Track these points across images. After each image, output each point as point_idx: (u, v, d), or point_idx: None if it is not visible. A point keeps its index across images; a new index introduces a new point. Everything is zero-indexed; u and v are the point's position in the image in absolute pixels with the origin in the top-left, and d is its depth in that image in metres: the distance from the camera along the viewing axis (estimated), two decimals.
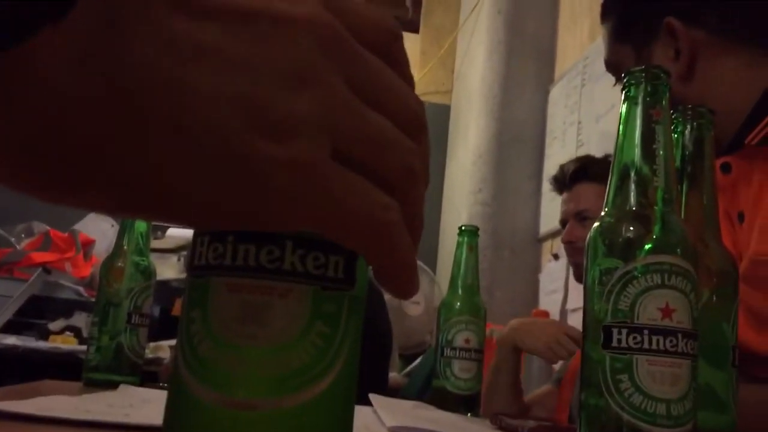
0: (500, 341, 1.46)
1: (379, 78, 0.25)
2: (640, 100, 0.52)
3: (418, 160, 0.26)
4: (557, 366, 1.78)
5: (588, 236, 0.52)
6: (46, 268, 2.36)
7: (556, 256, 2.70)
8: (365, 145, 0.24)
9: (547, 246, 2.91)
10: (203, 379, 0.27)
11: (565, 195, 1.56)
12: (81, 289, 2.40)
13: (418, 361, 2.38)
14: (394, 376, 2.26)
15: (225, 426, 0.27)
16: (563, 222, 1.56)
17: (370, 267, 0.27)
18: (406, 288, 0.27)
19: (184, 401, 0.28)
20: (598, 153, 2.25)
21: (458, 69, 3.83)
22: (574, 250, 1.49)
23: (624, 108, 0.53)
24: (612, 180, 0.53)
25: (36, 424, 0.46)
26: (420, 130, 0.27)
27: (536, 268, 2.93)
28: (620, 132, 0.53)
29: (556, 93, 2.98)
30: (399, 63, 0.28)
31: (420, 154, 0.27)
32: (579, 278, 1.46)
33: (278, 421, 0.27)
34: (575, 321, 2.38)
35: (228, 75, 0.22)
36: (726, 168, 0.83)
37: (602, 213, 0.53)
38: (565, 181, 1.55)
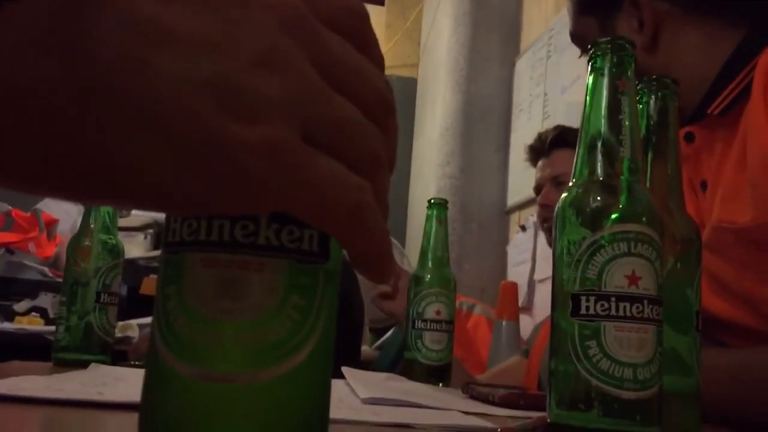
0: None
1: (344, 61, 0.25)
2: (606, 71, 0.53)
3: (382, 146, 0.26)
4: (526, 337, 1.81)
5: (556, 207, 0.53)
6: (9, 248, 2.32)
7: (523, 228, 2.73)
8: (332, 129, 0.24)
9: (514, 218, 2.94)
10: (181, 355, 0.28)
11: (541, 162, 1.57)
12: (46, 269, 2.37)
13: (389, 334, 2.40)
14: (365, 349, 2.27)
15: (204, 400, 0.27)
16: (538, 188, 1.57)
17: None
18: (382, 271, 0.27)
19: (163, 377, 0.28)
20: (564, 124, 2.27)
21: (424, 42, 3.82)
22: (549, 213, 1.51)
23: (590, 79, 0.54)
24: (579, 151, 0.53)
25: (7, 405, 0.46)
26: (387, 113, 0.27)
27: (504, 240, 2.97)
28: (587, 103, 0.54)
29: (521, 65, 2.99)
30: (367, 45, 0.27)
31: (387, 138, 0.27)
32: (551, 243, 1.49)
33: (257, 394, 0.27)
34: (543, 291, 2.42)
35: (197, 58, 0.22)
36: (689, 137, 0.84)
37: (570, 184, 0.53)
38: (543, 148, 1.57)
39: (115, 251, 0.95)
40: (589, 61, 0.54)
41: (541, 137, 1.60)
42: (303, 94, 0.23)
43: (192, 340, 0.27)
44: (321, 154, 0.24)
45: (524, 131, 2.84)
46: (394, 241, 2.89)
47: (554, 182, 1.52)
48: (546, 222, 1.54)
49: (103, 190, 0.22)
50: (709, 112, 0.81)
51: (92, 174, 0.22)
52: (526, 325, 2.40)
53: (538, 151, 1.60)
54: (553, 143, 1.55)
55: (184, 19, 0.22)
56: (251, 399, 0.27)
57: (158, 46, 0.21)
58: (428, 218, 1.13)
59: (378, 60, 0.28)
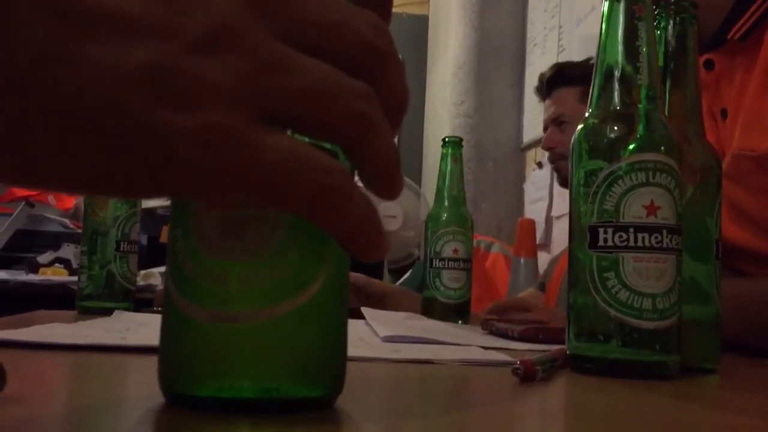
0: None
1: (320, 20, 0.24)
2: None
3: (371, 103, 0.24)
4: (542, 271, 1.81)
5: (572, 138, 0.52)
6: (29, 201, 2.34)
7: (540, 165, 2.71)
8: (298, 100, 0.23)
9: (531, 155, 2.92)
10: (189, 296, 0.28)
11: (546, 102, 1.56)
12: (66, 221, 2.40)
13: (408, 274, 2.42)
14: None
15: (213, 340, 0.28)
16: (545, 129, 1.56)
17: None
18: (368, 248, 0.25)
19: (175, 318, 0.29)
20: (579, 57, 2.22)
21: None
22: (554, 156, 1.50)
23: (606, 5, 0.52)
24: (595, 80, 0.52)
25: (35, 351, 0.47)
26: (381, 62, 0.25)
27: (520, 178, 2.95)
28: (603, 31, 0.52)
29: None
30: None
31: (383, 88, 0.25)
32: (562, 183, 1.47)
33: (267, 333, 0.28)
34: (561, 227, 2.42)
35: (133, 45, 0.21)
36: (709, 65, 0.82)
37: (586, 114, 0.52)
38: (543, 89, 1.55)
39: (132, 199, 0.96)
40: None
41: (541, 78, 1.58)
42: (256, 72, 0.22)
43: (199, 281, 0.28)
44: (281, 135, 0.23)
45: (539, 66, 2.79)
46: (410, 182, 2.89)
47: (556, 123, 1.50)
48: (554, 163, 1.52)
49: (40, 180, 0.22)
50: (729, 37, 0.78)
51: (18, 166, 0.21)
52: (544, 262, 2.41)
53: (541, 92, 1.58)
54: (550, 83, 1.52)
55: (124, 5, 0.21)
56: (260, 337, 0.28)
57: (91, 36, 0.20)
58: (443, 157, 1.12)
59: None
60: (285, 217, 0.28)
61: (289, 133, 0.24)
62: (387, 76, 0.25)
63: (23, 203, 2.31)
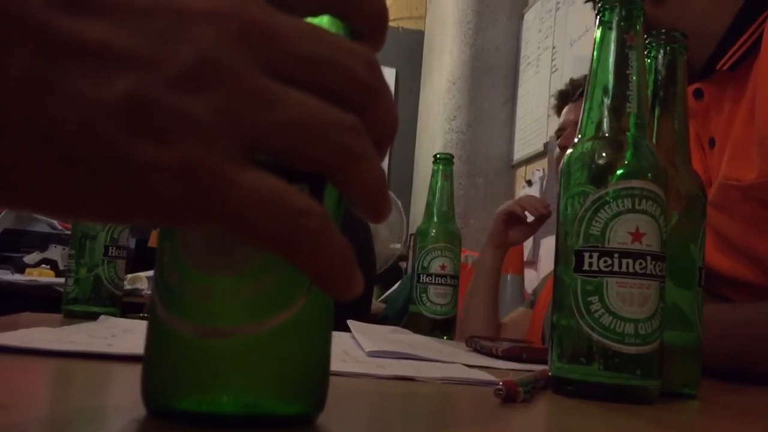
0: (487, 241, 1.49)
1: (306, 54, 0.24)
2: (614, 25, 0.52)
3: (356, 136, 0.24)
4: (530, 290, 1.82)
5: (561, 163, 0.53)
6: None
7: (529, 183, 2.73)
8: (283, 134, 0.23)
9: (520, 172, 2.93)
10: (174, 309, 0.28)
11: (567, 107, 1.55)
12: (54, 222, 2.38)
13: (395, 287, 2.42)
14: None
15: (196, 354, 0.28)
16: (560, 130, 1.55)
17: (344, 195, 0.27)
18: (341, 290, 0.25)
19: (158, 331, 0.29)
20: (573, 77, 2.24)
21: None
22: None
23: (598, 33, 0.53)
24: (586, 105, 0.53)
25: (18, 356, 0.47)
26: (369, 97, 0.25)
27: (510, 195, 2.96)
28: (594, 57, 0.53)
29: (530, 18, 2.94)
30: (361, 17, 0.26)
31: (371, 123, 0.25)
32: None
33: (252, 347, 0.28)
34: (548, 245, 2.42)
35: (113, 74, 0.21)
36: (698, 94, 0.83)
37: (575, 139, 0.53)
38: (573, 93, 1.55)
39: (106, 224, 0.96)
40: (597, 15, 0.54)
41: (572, 83, 1.58)
42: (239, 107, 0.22)
43: (183, 294, 0.28)
44: (253, 172, 0.22)
45: (532, 85, 2.82)
46: (393, 197, 2.89)
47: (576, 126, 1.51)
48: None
49: (5, 204, 0.22)
50: (718, 68, 0.80)
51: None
52: (531, 278, 2.42)
53: (566, 96, 1.58)
54: (583, 91, 1.54)
55: (106, 35, 0.21)
56: (242, 353, 0.28)
57: (73, 65, 0.21)
58: (434, 173, 1.13)
59: (375, 27, 0.27)
60: None
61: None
62: (376, 111, 0.25)
63: None
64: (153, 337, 0.30)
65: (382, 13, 0.27)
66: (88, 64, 0.21)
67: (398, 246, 3.14)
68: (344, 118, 0.24)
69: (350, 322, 0.89)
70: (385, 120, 0.26)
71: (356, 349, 0.70)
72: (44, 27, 0.20)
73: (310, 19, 0.26)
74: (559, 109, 1.60)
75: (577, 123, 1.60)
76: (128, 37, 0.21)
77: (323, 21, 0.28)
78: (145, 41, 0.21)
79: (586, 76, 1.65)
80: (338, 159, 0.24)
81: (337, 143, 0.24)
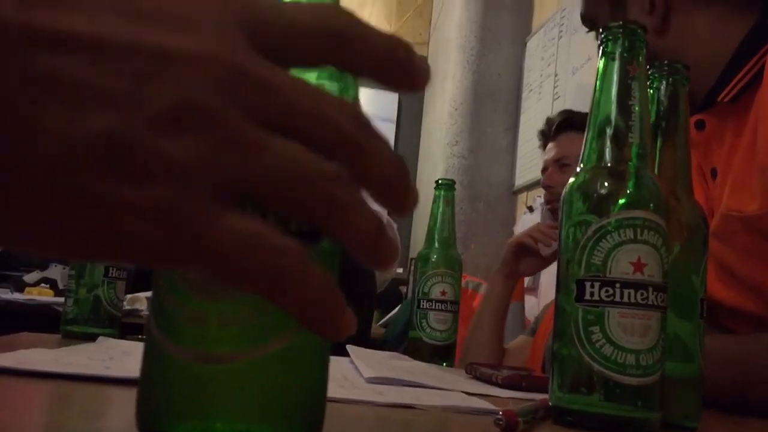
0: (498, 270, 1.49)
1: (295, 106, 0.23)
2: (617, 55, 0.52)
3: (340, 184, 0.23)
4: (531, 317, 1.81)
5: (563, 191, 0.53)
6: None
7: (530, 209, 2.73)
8: (265, 179, 0.22)
9: (522, 198, 2.94)
10: (168, 333, 0.28)
11: (549, 145, 1.58)
12: None
13: (395, 311, 2.41)
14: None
15: (192, 379, 0.28)
16: (544, 170, 1.58)
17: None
18: (326, 330, 0.24)
19: (153, 354, 0.29)
20: (574, 105, 2.25)
21: (435, 19, 3.79)
22: (552, 195, 1.51)
23: (601, 63, 0.53)
24: (588, 135, 0.53)
25: (16, 378, 0.47)
26: (356, 150, 0.24)
27: (511, 221, 2.96)
28: (597, 87, 0.53)
29: (533, 45, 2.97)
30: (353, 64, 0.25)
31: (358, 176, 0.24)
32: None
33: (246, 373, 0.28)
34: (549, 272, 2.42)
35: (91, 113, 0.21)
36: (700, 125, 0.84)
37: (578, 168, 0.53)
38: (550, 132, 1.57)
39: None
40: (600, 46, 0.54)
41: (549, 122, 1.61)
42: (219, 150, 0.22)
43: (179, 319, 0.28)
44: (231, 214, 0.22)
45: (534, 111, 2.83)
46: (384, 215, 2.90)
47: (558, 164, 1.52)
48: (549, 203, 1.55)
49: None
50: (719, 99, 0.80)
51: None
52: (532, 305, 2.41)
53: (546, 135, 1.60)
54: (559, 127, 1.55)
55: (87, 72, 0.21)
56: (237, 379, 0.28)
57: (51, 101, 0.20)
58: (435, 199, 1.13)
59: (368, 67, 0.26)
60: None
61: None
62: (364, 163, 0.24)
63: None
64: (148, 361, 0.29)
65: (387, 48, 0.26)
66: (66, 100, 0.20)
67: (399, 271, 3.14)
68: (328, 167, 0.23)
69: (349, 347, 0.89)
70: (380, 166, 0.25)
71: (355, 374, 0.69)
72: (24, 61, 0.20)
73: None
74: (543, 148, 1.63)
75: (556, 160, 1.62)
76: (109, 75, 0.21)
77: (323, 74, 0.29)
78: (127, 80, 0.21)
79: (561, 113, 1.68)
80: (322, 207, 0.23)
81: (321, 191, 0.23)
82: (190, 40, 0.22)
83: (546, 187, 1.55)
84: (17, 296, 1.99)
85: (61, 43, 0.21)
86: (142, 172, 0.21)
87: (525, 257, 1.45)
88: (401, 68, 0.26)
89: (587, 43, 2.28)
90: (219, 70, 0.22)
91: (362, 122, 0.25)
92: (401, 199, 0.25)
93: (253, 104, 0.22)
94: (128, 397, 0.33)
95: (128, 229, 0.21)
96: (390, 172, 0.25)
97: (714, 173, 0.83)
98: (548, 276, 2.44)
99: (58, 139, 0.20)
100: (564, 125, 1.55)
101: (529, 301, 2.38)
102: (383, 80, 0.26)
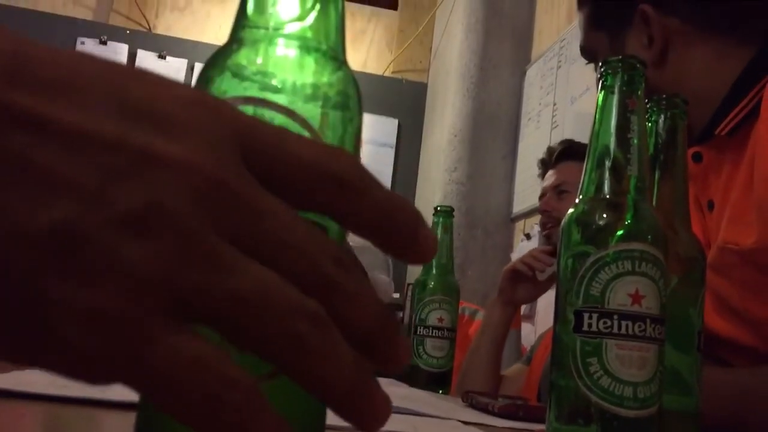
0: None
1: (274, 236, 0.21)
2: (616, 89, 0.53)
3: (314, 325, 0.21)
4: (527, 344, 1.81)
5: (562, 222, 0.53)
6: None
7: (528, 236, 2.73)
8: (227, 304, 0.20)
9: (519, 226, 2.94)
10: None
11: (548, 173, 1.59)
12: None
13: None
14: None
15: None
16: (542, 196, 1.59)
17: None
18: None
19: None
20: (572, 135, 2.26)
21: (436, 47, 3.82)
22: (548, 220, 1.52)
23: (600, 96, 0.54)
24: (587, 167, 0.54)
25: (10, 400, 0.46)
26: (334, 293, 0.22)
27: (508, 248, 2.96)
28: (596, 120, 0.54)
29: (532, 74, 2.99)
30: (348, 217, 0.23)
31: (334, 317, 0.21)
32: (553, 251, 1.49)
33: None
34: (546, 299, 2.42)
35: (47, 202, 0.19)
36: (697, 157, 0.84)
37: (576, 200, 0.54)
38: (551, 160, 1.59)
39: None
40: (599, 79, 0.55)
41: (550, 150, 1.63)
42: (182, 263, 0.20)
43: None
44: (181, 333, 0.20)
45: (532, 140, 2.85)
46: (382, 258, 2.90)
47: (556, 190, 1.54)
48: (544, 228, 1.55)
49: None
50: (717, 132, 0.81)
51: None
52: (528, 332, 2.40)
53: (547, 163, 1.62)
54: (560, 156, 1.57)
55: (57, 160, 0.19)
56: None
57: (16, 185, 0.19)
58: (434, 225, 1.14)
59: (372, 211, 0.23)
60: None
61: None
62: (348, 309, 0.22)
63: None
64: (144, 412, 0.29)
65: (391, 209, 0.23)
66: (26, 185, 0.19)
67: (395, 296, 3.13)
68: (305, 302, 0.21)
69: None
70: (361, 316, 0.22)
71: None
72: None
73: None
74: (542, 177, 1.64)
75: (554, 186, 1.63)
76: (82, 167, 0.19)
77: None
78: (99, 175, 0.19)
79: (563, 142, 1.69)
80: (288, 348, 0.20)
81: (291, 330, 0.20)
82: (178, 146, 0.20)
83: (542, 212, 1.56)
84: None
85: (37, 126, 0.19)
86: (90, 272, 0.19)
87: (521, 284, 1.45)
88: (401, 235, 0.23)
89: (586, 73, 2.30)
90: (199, 179, 0.20)
91: (347, 265, 0.22)
92: (384, 355, 0.22)
93: (230, 222, 0.21)
94: (125, 421, 0.33)
95: (61, 334, 0.19)
96: (372, 324, 0.22)
97: (711, 205, 0.83)
98: (545, 304, 2.44)
99: (11, 224, 0.19)
100: (565, 154, 1.56)
101: (526, 328, 2.37)
102: (380, 243, 0.24)
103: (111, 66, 0.22)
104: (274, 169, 0.22)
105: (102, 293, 0.19)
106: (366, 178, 0.23)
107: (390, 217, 0.23)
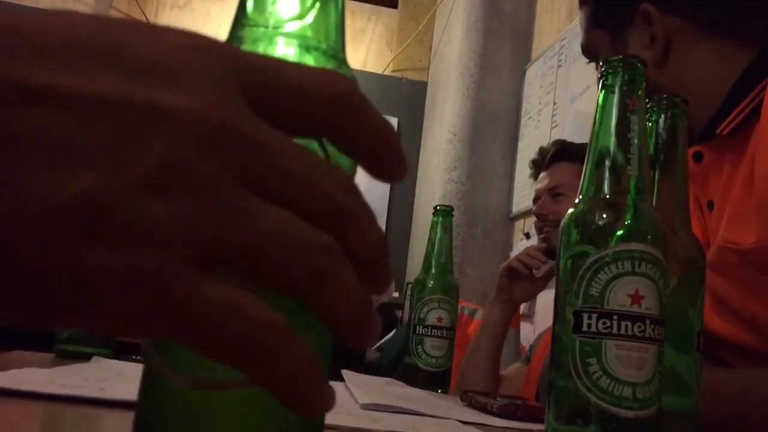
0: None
1: (284, 170, 0.22)
2: (617, 89, 0.53)
3: (331, 258, 0.22)
4: (526, 343, 1.81)
5: (562, 222, 0.53)
6: None
7: (527, 235, 2.73)
8: (251, 249, 0.21)
9: (519, 225, 2.94)
10: (167, 357, 0.28)
11: (541, 174, 1.58)
12: None
13: (389, 335, 2.40)
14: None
15: (187, 406, 0.27)
16: (536, 199, 1.58)
17: None
18: (309, 404, 0.23)
19: (152, 380, 0.29)
20: (572, 133, 2.26)
21: (436, 46, 3.82)
22: (546, 224, 1.51)
23: (601, 96, 0.54)
24: (587, 167, 0.54)
25: (8, 398, 0.46)
26: (346, 220, 0.23)
27: (508, 247, 2.96)
28: (596, 119, 0.54)
29: (532, 73, 2.99)
30: (346, 138, 0.24)
31: (346, 247, 0.23)
32: (550, 253, 1.48)
33: (246, 402, 0.27)
34: (545, 299, 2.42)
35: (70, 173, 0.19)
36: (698, 157, 0.84)
37: (576, 200, 0.53)
38: (543, 161, 1.58)
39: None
40: (600, 78, 0.55)
41: (542, 151, 1.62)
42: (204, 215, 0.20)
43: (177, 345, 0.28)
44: (213, 282, 0.21)
45: (532, 139, 2.84)
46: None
47: (550, 193, 1.53)
48: (541, 232, 1.55)
49: None
50: (717, 132, 0.81)
51: None
52: (527, 332, 2.40)
53: (539, 165, 1.61)
54: (553, 157, 1.56)
55: (68, 129, 0.20)
56: (235, 407, 0.28)
57: (27, 159, 0.19)
58: (433, 225, 1.13)
59: (369, 145, 0.24)
60: None
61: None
62: (353, 235, 0.23)
63: None
64: (146, 387, 0.29)
65: (385, 131, 0.25)
66: (44, 159, 0.19)
67: (395, 294, 3.13)
68: (319, 238, 0.22)
69: (344, 372, 0.88)
70: (366, 244, 0.23)
71: (350, 400, 0.69)
72: (5, 118, 0.19)
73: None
74: (535, 178, 1.63)
75: (549, 189, 1.64)
76: (90, 136, 0.20)
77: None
78: (106, 141, 0.20)
79: (555, 143, 1.69)
80: (309, 281, 0.22)
81: (309, 264, 0.22)
82: (182, 96, 0.21)
83: (538, 216, 1.55)
84: None
85: (44, 98, 0.20)
86: (121, 236, 0.20)
87: (518, 282, 1.45)
88: (390, 156, 0.25)
89: (586, 72, 2.30)
90: (208, 127, 0.21)
91: (353, 190, 0.23)
92: (378, 281, 0.24)
93: (241, 165, 0.21)
94: (123, 421, 0.32)
95: (100, 296, 0.20)
96: (374, 251, 0.24)
97: (711, 205, 0.83)
98: (544, 303, 2.44)
99: (33, 198, 0.19)
100: (558, 155, 1.55)
101: (525, 327, 2.37)
102: (371, 164, 0.25)
103: (103, 22, 0.22)
104: (277, 99, 0.23)
105: (134, 255, 0.20)
106: (365, 99, 0.24)
107: (386, 140, 0.25)
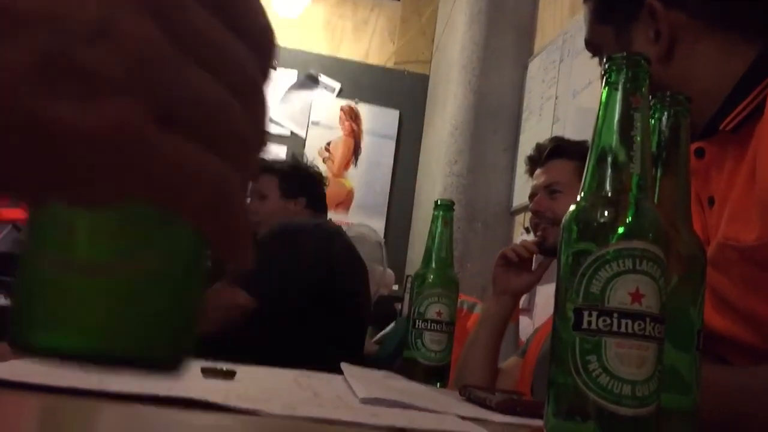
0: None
1: (206, 35, 0.23)
2: (620, 86, 0.53)
3: (248, 127, 0.24)
4: (524, 338, 1.81)
5: (563, 219, 0.53)
6: (17, 225, 2.32)
7: (528, 230, 2.73)
8: (189, 105, 0.22)
9: (519, 219, 2.94)
10: (38, 243, 0.27)
11: (537, 171, 1.58)
12: None
13: (389, 328, 2.41)
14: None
15: (57, 288, 0.27)
16: (532, 196, 1.58)
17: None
18: (242, 254, 0.25)
19: (25, 266, 0.28)
20: (573, 129, 2.26)
21: (438, 39, 3.81)
22: (542, 221, 1.51)
23: (604, 93, 0.54)
24: (589, 164, 0.53)
25: (7, 390, 0.46)
26: (254, 92, 0.24)
27: (508, 241, 2.96)
28: (599, 116, 0.54)
29: (534, 67, 2.98)
30: (241, 18, 0.25)
31: (253, 118, 0.24)
32: (547, 251, 1.48)
33: (111, 288, 0.27)
34: (544, 293, 2.42)
35: (21, 36, 0.20)
36: (700, 153, 0.84)
37: (578, 197, 0.53)
38: (540, 158, 1.58)
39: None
40: (603, 75, 0.54)
41: (539, 148, 1.62)
42: (150, 63, 0.21)
43: (48, 230, 0.27)
44: (170, 134, 0.21)
45: (533, 133, 2.84)
46: (371, 227, 2.88)
47: (547, 190, 1.53)
48: (537, 229, 1.54)
49: None
50: (720, 128, 0.80)
51: None
52: (526, 326, 2.41)
53: (535, 161, 1.61)
54: (550, 154, 1.56)
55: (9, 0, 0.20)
56: (100, 292, 0.27)
57: None
58: (434, 219, 1.13)
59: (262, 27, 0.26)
60: None
61: None
62: (255, 108, 0.24)
63: (10, 227, 2.30)
64: (20, 274, 0.29)
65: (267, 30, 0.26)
66: (2, 25, 0.20)
67: (394, 287, 3.13)
68: (238, 106, 0.23)
69: (343, 365, 0.88)
70: (258, 123, 0.25)
71: (349, 394, 0.69)
72: None
73: None
74: (531, 174, 1.63)
75: (545, 186, 1.64)
76: (39, 2, 0.20)
77: None
78: (48, 1, 0.20)
79: (552, 139, 1.70)
80: (238, 146, 0.23)
81: (239, 130, 0.23)
82: None
83: (535, 212, 1.55)
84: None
85: None
86: (85, 89, 0.20)
87: (513, 272, 1.46)
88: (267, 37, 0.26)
89: (588, 66, 2.29)
90: None
91: (256, 67, 0.25)
92: (245, 160, 0.25)
93: (168, 21, 0.22)
94: (122, 412, 0.32)
95: (67, 152, 0.20)
96: (256, 139, 0.25)
97: (711, 201, 0.83)
98: (543, 297, 2.44)
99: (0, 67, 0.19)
100: (555, 152, 1.55)
101: (524, 321, 2.38)
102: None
103: None
104: None
105: (105, 107, 0.20)
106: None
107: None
